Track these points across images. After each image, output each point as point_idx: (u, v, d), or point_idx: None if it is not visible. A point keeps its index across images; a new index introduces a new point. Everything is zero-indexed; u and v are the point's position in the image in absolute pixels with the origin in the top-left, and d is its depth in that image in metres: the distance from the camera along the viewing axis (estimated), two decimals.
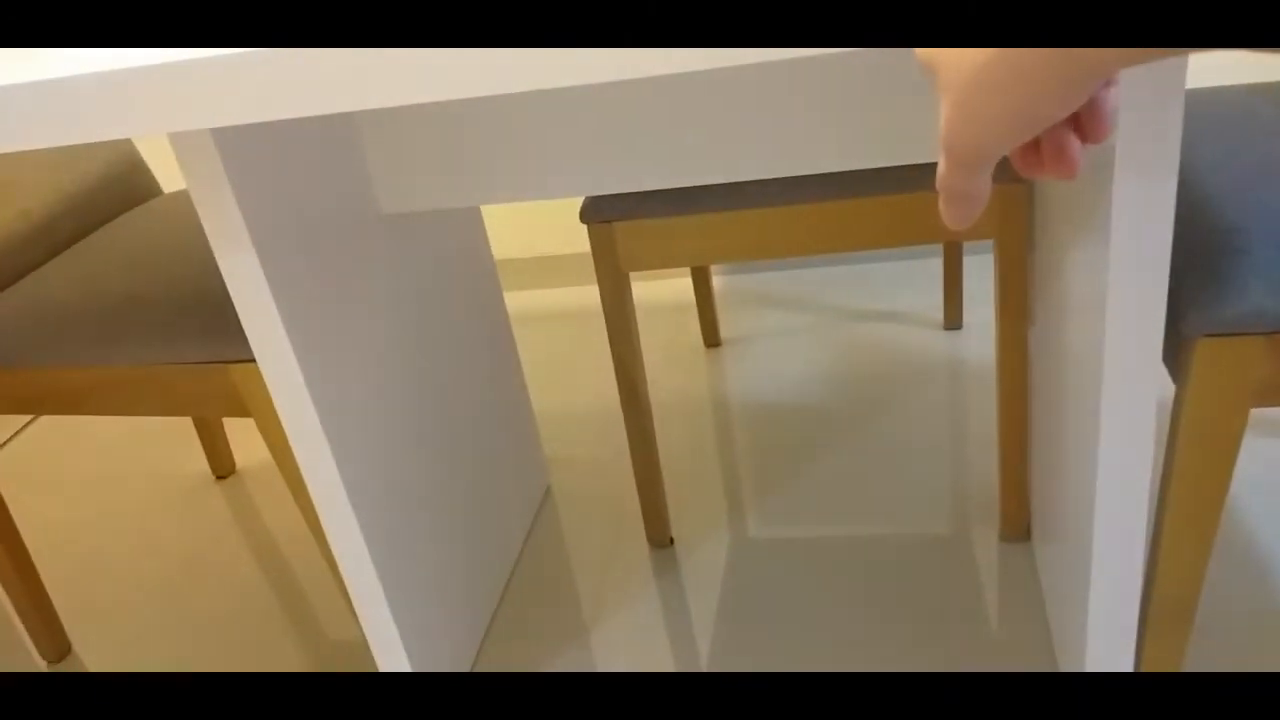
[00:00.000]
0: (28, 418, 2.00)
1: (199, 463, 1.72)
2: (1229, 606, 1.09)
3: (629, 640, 1.20)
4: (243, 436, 1.77)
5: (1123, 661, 0.88)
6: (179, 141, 0.80)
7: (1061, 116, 0.34)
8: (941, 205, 0.39)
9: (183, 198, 1.33)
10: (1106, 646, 0.88)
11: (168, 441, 1.83)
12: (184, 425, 1.86)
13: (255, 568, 1.46)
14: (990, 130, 0.34)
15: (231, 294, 0.86)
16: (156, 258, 1.12)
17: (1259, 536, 1.18)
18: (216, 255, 0.84)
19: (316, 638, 1.30)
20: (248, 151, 0.83)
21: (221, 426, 1.67)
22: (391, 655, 1.06)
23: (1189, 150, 0.85)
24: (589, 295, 2.10)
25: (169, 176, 1.72)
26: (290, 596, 1.39)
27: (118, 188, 1.36)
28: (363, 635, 1.29)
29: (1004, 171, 1.04)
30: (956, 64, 0.34)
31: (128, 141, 1.42)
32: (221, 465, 1.67)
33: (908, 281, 1.91)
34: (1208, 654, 1.04)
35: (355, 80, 0.58)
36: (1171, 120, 0.64)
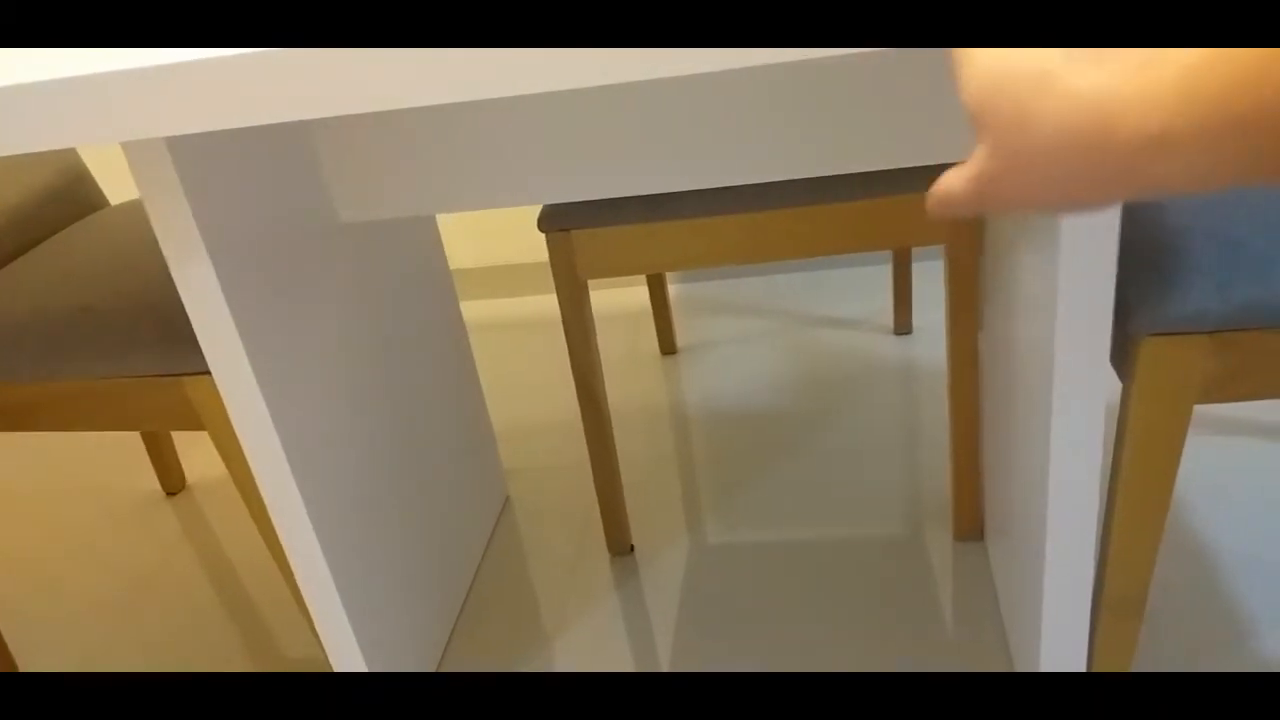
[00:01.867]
0: None
1: (148, 479, 1.69)
2: (1176, 600, 1.12)
3: (591, 648, 1.20)
4: (193, 451, 1.74)
5: (1076, 655, 0.90)
6: (132, 150, 0.79)
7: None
8: (933, 200, 0.38)
9: (130, 209, 1.31)
10: (1060, 641, 0.90)
11: (116, 457, 1.79)
12: (132, 440, 1.82)
13: (208, 585, 1.44)
14: (1029, 201, 0.33)
15: (186, 305, 0.85)
16: (105, 270, 1.10)
17: (1202, 532, 1.21)
18: (170, 266, 0.83)
19: (272, 655, 1.29)
20: (202, 160, 0.82)
21: (171, 441, 1.64)
22: (350, 666, 1.05)
23: None
24: (544, 304, 2.10)
25: (115, 188, 1.68)
26: (244, 614, 1.37)
27: (63, 200, 1.33)
28: (319, 653, 1.27)
29: None
30: (1037, 128, 0.31)
31: (73, 152, 1.39)
32: (171, 481, 1.64)
33: (858, 288, 1.94)
34: (1156, 647, 1.07)
35: (318, 87, 0.58)
36: None
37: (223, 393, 0.89)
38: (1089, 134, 0.30)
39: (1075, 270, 0.72)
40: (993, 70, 0.32)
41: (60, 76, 0.60)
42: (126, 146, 0.79)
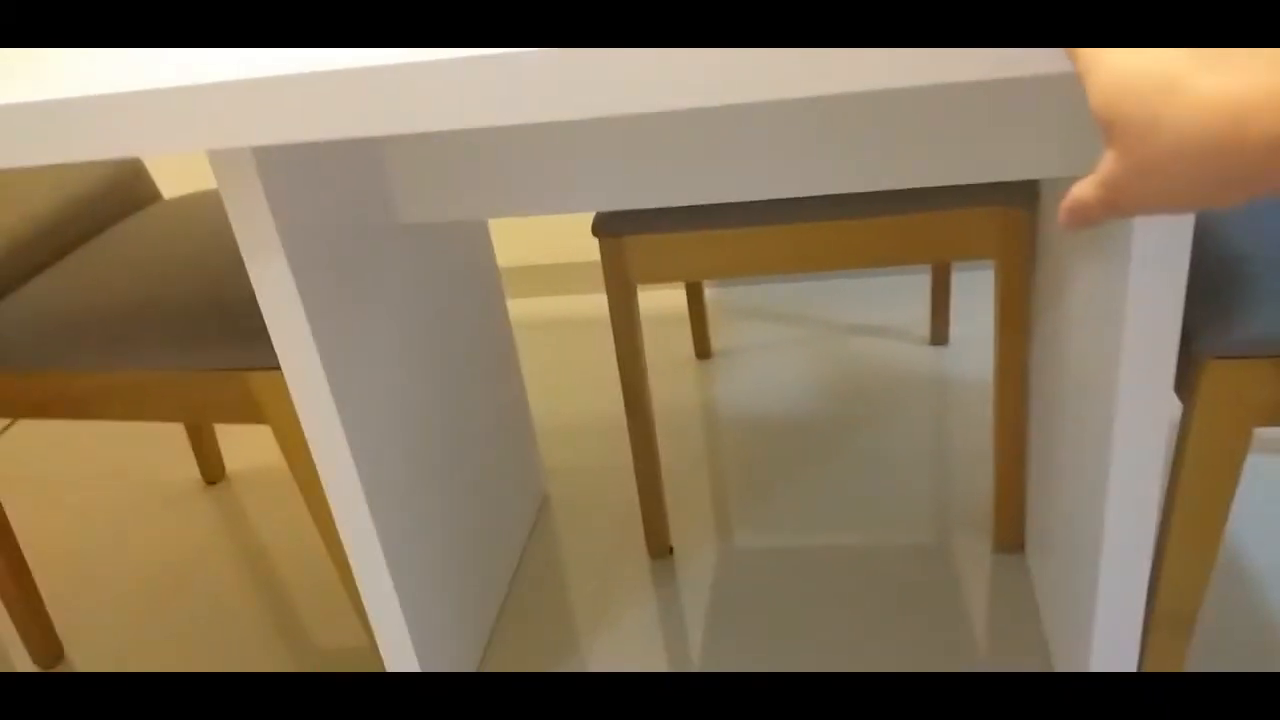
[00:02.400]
0: (6, 421, 1.97)
1: (189, 468, 1.71)
2: (1226, 620, 1.13)
3: (628, 647, 1.22)
4: (232, 441, 1.77)
5: (1125, 669, 0.91)
6: (216, 149, 0.81)
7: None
8: (1065, 213, 0.39)
9: (187, 202, 1.33)
10: (1110, 657, 0.91)
11: (156, 446, 1.81)
12: (173, 429, 1.85)
13: (246, 574, 1.46)
14: (1160, 204, 0.34)
15: (260, 300, 0.87)
16: (167, 263, 1.12)
17: (1254, 551, 1.22)
18: (247, 262, 0.85)
19: (309, 644, 1.30)
20: (281, 160, 0.84)
21: (213, 431, 1.66)
22: (402, 659, 1.07)
23: None
24: (587, 304, 2.12)
25: (166, 182, 1.71)
26: (280, 603, 1.39)
27: (120, 192, 1.36)
28: (355, 642, 1.29)
29: (1005, 196, 1.07)
30: (1167, 132, 0.32)
31: None
32: (211, 471, 1.66)
33: (895, 296, 1.95)
34: (1205, 667, 1.08)
35: (397, 103, 0.59)
36: None
37: (292, 388, 0.91)
38: (1220, 137, 0.30)
39: (1146, 289, 0.73)
40: (1119, 75, 0.33)
41: (156, 87, 0.61)
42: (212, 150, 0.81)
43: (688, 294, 1.78)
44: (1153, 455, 0.79)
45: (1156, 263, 0.72)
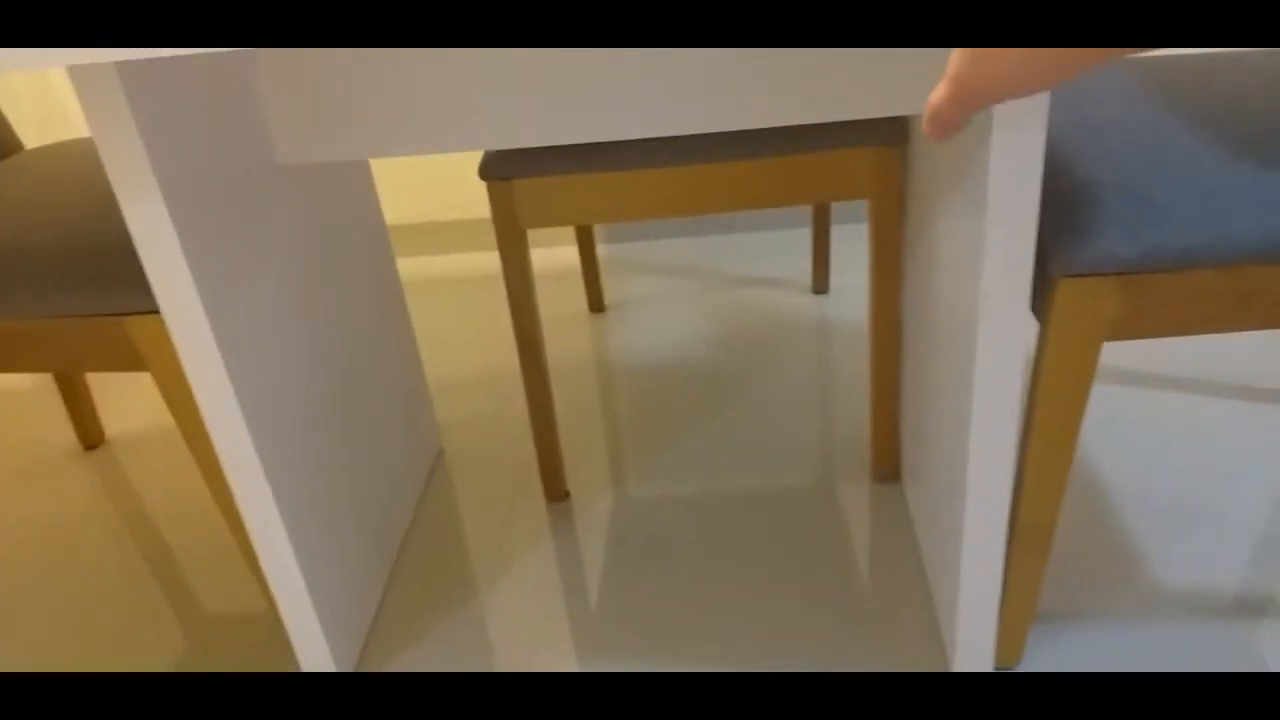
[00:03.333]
0: None
1: (65, 433, 1.65)
2: (1075, 537, 1.21)
3: (526, 590, 1.24)
4: (111, 405, 1.71)
5: (991, 583, 0.98)
6: (83, 83, 0.78)
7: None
8: (926, 121, 0.43)
9: (52, 151, 1.28)
10: (977, 568, 0.97)
11: (30, 409, 1.74)
12: (47, 392, 1.78)
13: (132, 542, 1.42)
14: (1001, 87, 0.39)
15: (136, 242, 0.85)
16: (36, 210, 1.08)
17: (1097, 474, 1.31)
18: (121, 201, 0.83)
19: (202, 612, 1.28)
20: (152, 94, 0.82)
21: (89, 393, 1.60)
22: (298, 611, 1.06)
23: (1050, 110, 0.94)
24: (474, 261, 2.11)
25: (30, 132, 1.63)
26: (171, 571, 1.36)
27: None
28: (249, 608, 1.28)
29: (879, 135, 1.12)
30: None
31: None
32: (90, 435, 1.61)
33: (778, 250, 2.00)
34: (1060, 579, 1.16)
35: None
36: None
37: (172, 330, 0.89)
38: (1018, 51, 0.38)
39: (1003, 214, 0.78)
40: None
41: None
42: (78, 80, 0.78)
43: (580, 249, 1.79)
44: (1011, 372, 0.85)
45: (1011, 187, 0.77)
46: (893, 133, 1.12)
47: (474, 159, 2.06)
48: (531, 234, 2.14)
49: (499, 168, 1.15)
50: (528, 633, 1.18)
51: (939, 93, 0.41)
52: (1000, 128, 0.75)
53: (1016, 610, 1.01)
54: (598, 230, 2.11)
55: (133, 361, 0.99)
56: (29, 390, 1.80)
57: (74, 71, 0.78)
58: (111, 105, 0.79)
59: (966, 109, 0.41)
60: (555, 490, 1.37)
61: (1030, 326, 0.86)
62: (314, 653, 1.10)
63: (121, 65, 0.78)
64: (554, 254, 2.10)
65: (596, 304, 1.85)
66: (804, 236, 2.05)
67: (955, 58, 0.40)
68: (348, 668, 1.14)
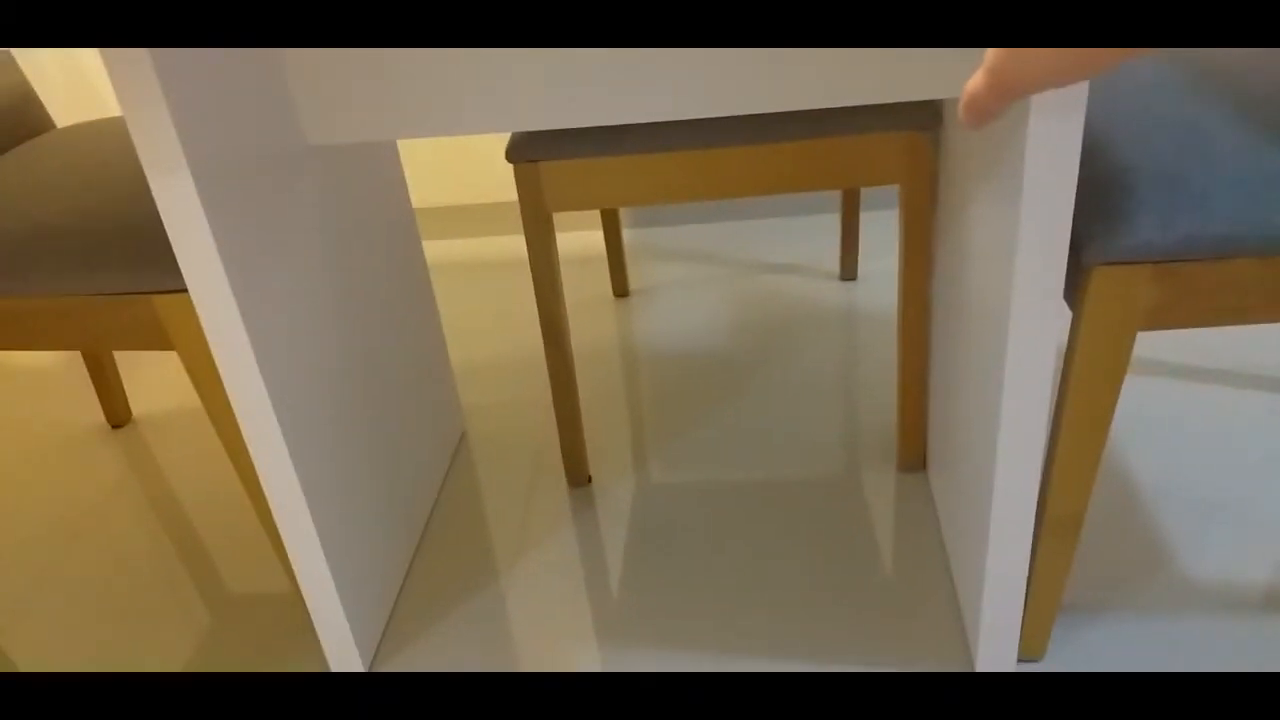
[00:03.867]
0: None
1: (93, 412, 1.67)
2: (1105, 528, 1.20)
3: (546, 577, 1.24)
4: (139, 384, 1.72)
5: (1017, 573, 0.97)
6: (115, 64, 0.78)
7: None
8: (963, 109, 0.43)
9: (82, 130, 1.28)
10: (1003, 559, 0.96)
11: (57, 388, 1.76)
12: (76, 371, 1.79)
13: (159, 520, 1.43)
14: (1040, 78, 0.39)
15: (164, 220, 0.85)
16: (66, 189, 1.08)
17: (1129, 465, 1.29)
18: (150, 180, 0.83)
19: (225, 591, 1.29)
20: (184, 74, 0.82)
21: (117, 372, 1.62)
22: (321, 593, 1.07)
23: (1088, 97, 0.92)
24: (500, 245, 2.11)
25: (59, 110, 1.64)
26: (196, 549, 1.37)
27: (10, 120, 1.30)
28: (271, 587, 1.28)
29: (911, 120, 1.10)
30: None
31: (19, 73, 1.35)
32: (117, 414, 1.62)
33: (806, 235, 1.99)
34: (1087, 570, 1.15)
35: None
36: None
37: (199, 309, 0.89)
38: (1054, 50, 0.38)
39: (1039, 200, 0.77)
40: None
41: None
42: (109, 60, 0.78)
43: (605, 234, 1.79)
44: (1043, 362, 0.84)
45: (1047, 173, 0.75)
46: (925, 117, 1.10)
47: (501, 142, 2.06)
48: (557, 218, 2.14)
49: (526, 150, 1.14)
50: (548, 617, 1.18)
51: (976, 81, 0.41)
52: (1038, 114, 0.73)
53: (1042, 603, 1.00)
54: (623, 215, 2.10)
55: (160, 340, 0.99)
56: (57, 369, 1.82)
57: (106, 51, 0.78)
58: (143, 85, 0.79)
59: (1005, 99, 0.41)
60: (577, 475, 1.37)
61: (1063, 316, 0.85)
62: (336, 634, 1.10)
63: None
64: (579, 238, 2.10)
65: (621, 289, 1.84)
66: (832, 222, 2.03)
67: (993, 52, 0.39)
68: (369, 649, 1.15)
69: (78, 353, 1.75)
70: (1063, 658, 1.05)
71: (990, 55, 0.40)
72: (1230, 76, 0.93)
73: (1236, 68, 0.95)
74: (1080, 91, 0.72)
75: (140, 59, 0.78)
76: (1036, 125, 0.74)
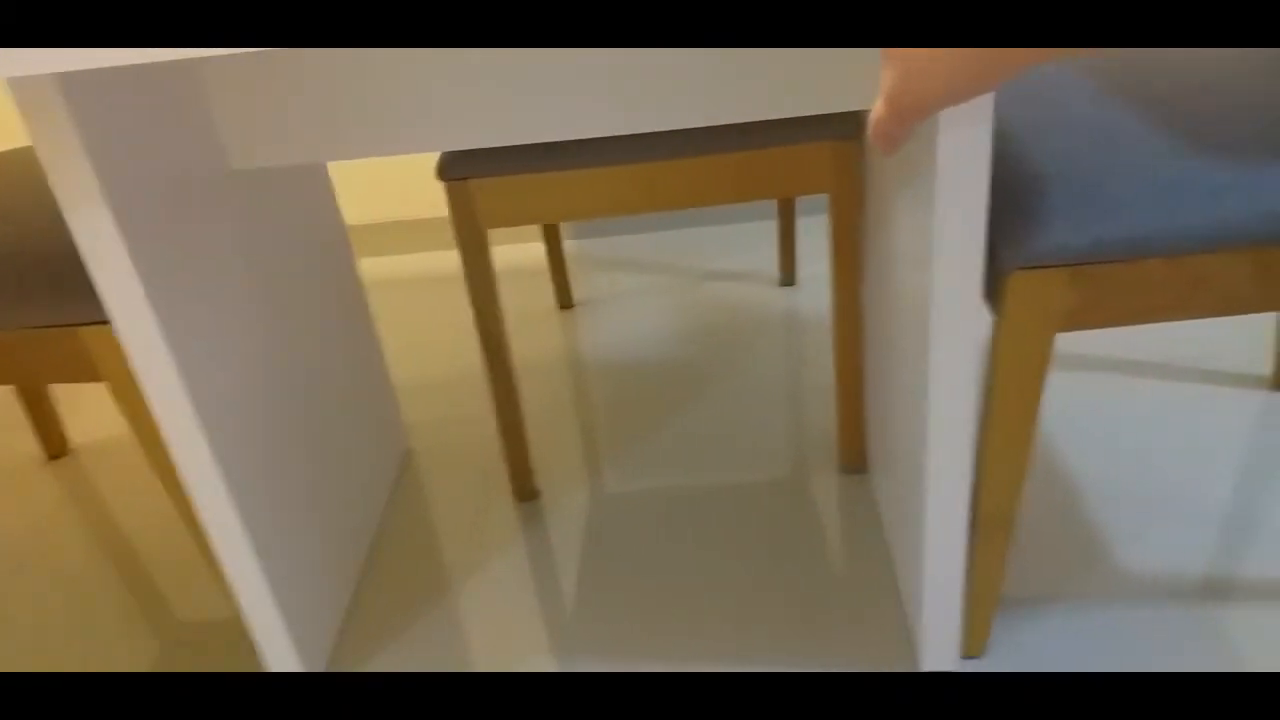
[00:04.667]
0: None
1: (28, 442, 1.64)
2: (1040, 523, 1.22)
3: (498, 589, 1.24)
4: (76, 412, 1.69)
5: (953, 570, 0.98)
6: (21, 91, 0.77)
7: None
8: (872, 138, 0.44)
9: (3, 159, 1.26)
10: (940, 557, 0.97)
11: None
12: (8, 402, 1.75)
13: (99, 551, 1.41)
14: (935, 97, 0.40)
15: (82, 252, 0.84)
16: None
17: (1060, 461, 1.32)
18: (65, 212, 0.82)
19: (170, 620, 1.27)
20: (96, 103, 0.81)
21: (52, 403, 1.59)
22: (265, 619, 1.06)
23: (998, 107, 0.94)
24: (440, 260, 2.10)
25: None
26: (138, 579, 1.35)
27: None
28: (216, 615, 1.27)
29: (836, 130, 1.12)
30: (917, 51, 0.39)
31: None
32: (53, 444, 1.59)
33: (745, 243, 2.00)
34: (1024, 565, 1.17)
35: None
36: None
37: (124, 341, 0.88)
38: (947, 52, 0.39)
39: (952, 208, 0.78)
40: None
41: None
42: (16, 89, 0.77)
43: (547, 246, 1.79)
44: (966, 364, 0.85)
45: (959, 182, 0.77)
46: (850, 126, 1.12)
47: (433, 157, 2.05)
48: (498, 231, 2.14)
49: (456, 168, 1.14)
50: (500, 632, 1.17)
51: (878, 109, 0.43)
52: (946, 125, 0.75)
53: (981, 600, 1.02)
54: (564, 226, 2.10)
55: (88, 373, 0.98)
56: None
57: (13, 82, 0.77)
58: (52, 115, 0.78)
59: (906, 123, 0.42)
60: (524, 489, 1.37)
61: (985, 318, 0.86)
62: (281, 657, 1.09)
63: (64, 74, 0.77)
64: (521, 250, 2.09)
65: (565, 300, 1.84)
66: (771, 229, 2.05)
67: (885, 74, 0.41)
68: (317, 670, 1.14)
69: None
70: (1004, 655, 1.07)
71: (883, 81, 0.41)
72: (1139, 79, 0.95)
73: (1146, 70, 0.98)
74: (986, 102, 0.74)
75: (49, 87, 0.77)
76: (946, 135, 0.75)
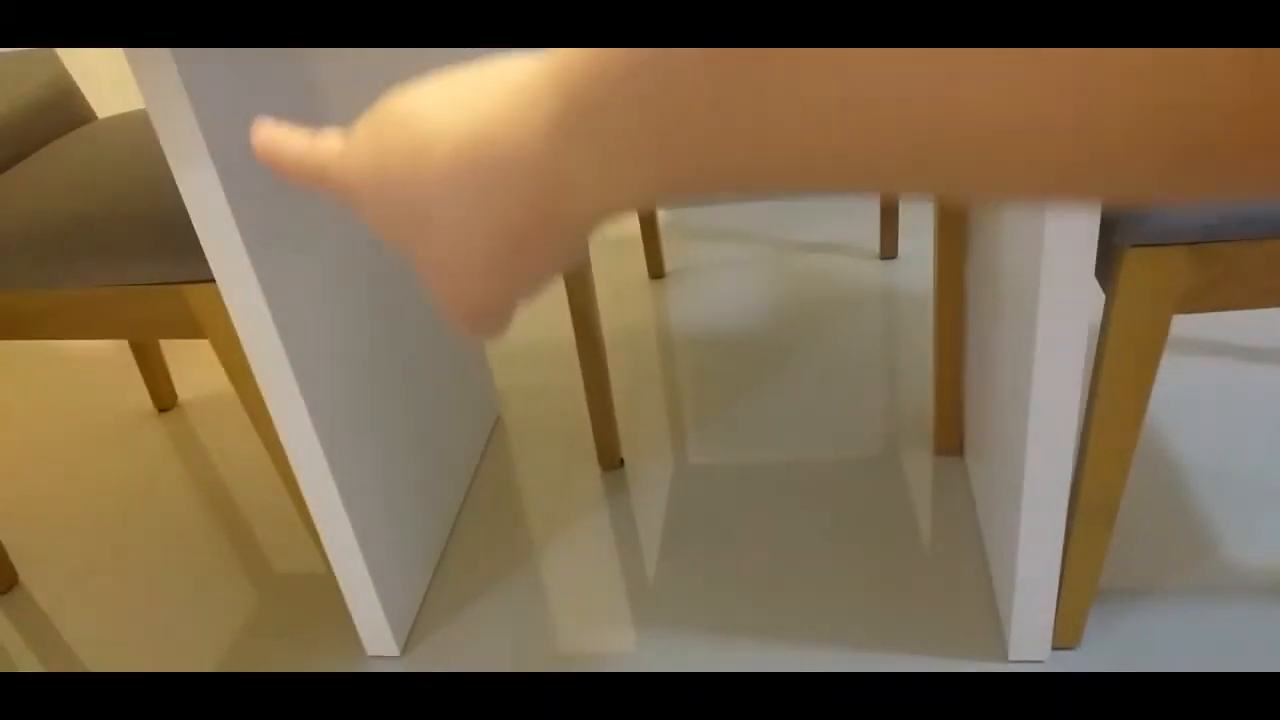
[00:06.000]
0: None
1: (139, 396, 1.71)
2: (1145, 511, 1.17)
3: (580, 560, 1.24)
4: (185, 368, 1.76)
5: (1051, 559, 0.95)
6: (136, 58, 0.79)
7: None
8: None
9: (120, 122, 1.30)
10: (1036, 545, 0.94)
11: (106, 373, 1.80)
12: (123, 357, 1.83)
13: (201, 501, 1.46)
14: (486, 298, 0.30)
15: (190, 212, 0.86)
16: (100, 180, 1.10)
17: (1171, 448, 1.26)
18: (174, 171, 0.84)
19: (265, 571, 1.32)
20: (205, 67, 0.83)
21: (162, 357, 1.65)
22: (354, 578, 1.08)
23: None
24: None
25: (100, 101, 1.67)
26: (238, 529, 1.40)
27: (52, 112, 1.33)
28: (312, 568, 1.30)
29: None
30: (446, 233, 0.28)
31: (60, 65, 1.38)
32: (163, 398, 1.66)
33: (844, 214, 1.96)
34: (1125, 555, 1.12)
35: None
36: None
37: (226, 299, 0.90)
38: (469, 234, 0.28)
39: None
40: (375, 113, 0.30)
41: None
42: (131, 55, 0.79)
43: (639, 215, 1.77)
44: (1074, 345, 0.81)
45: None
46: None
47: None
48: None
49: None
50: (581, 600, 1.18)
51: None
52: None
53: (1076, 591, 0.98)
54: None
55: (192, 330, 1.01)
56: (107, 355, 1.86)
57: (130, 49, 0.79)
58: (164, 78, 0.80)
59: (487, 327, 0.31)
60: (609, 458, 1.37)
61: (1096, 296, 0.82)
62: (370, 616, 1.12)
63: None
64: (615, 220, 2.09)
65: (657, 270, 1.83)
66: (872, 200, 2.00)
67: (439, 297, 0.31)
68: (403, 631, 1.16)
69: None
70: (1099, 648, 1.03)
71: (446, 304, 0.31)
72: None
73: None
74: None
75: (161, 53, 0.79)
76: None
